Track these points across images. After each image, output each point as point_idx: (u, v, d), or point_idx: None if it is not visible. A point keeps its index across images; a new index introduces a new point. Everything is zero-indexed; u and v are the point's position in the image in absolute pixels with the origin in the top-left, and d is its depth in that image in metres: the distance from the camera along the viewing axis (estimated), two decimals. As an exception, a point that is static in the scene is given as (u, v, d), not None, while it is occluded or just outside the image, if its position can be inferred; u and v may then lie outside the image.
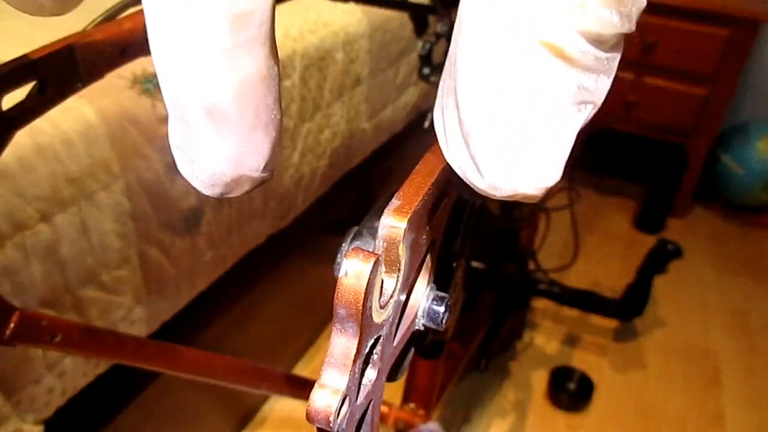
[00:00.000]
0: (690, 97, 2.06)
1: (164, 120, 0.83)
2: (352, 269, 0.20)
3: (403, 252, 0.23)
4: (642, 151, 2.28)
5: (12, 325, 0.37)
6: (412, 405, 0.91)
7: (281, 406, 1.35)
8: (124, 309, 0.83)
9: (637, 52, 2.03)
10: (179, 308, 0.95)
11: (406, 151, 1.56)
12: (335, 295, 0.21)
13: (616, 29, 0.14)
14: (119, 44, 0.37)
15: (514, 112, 0.14)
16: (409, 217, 0.23)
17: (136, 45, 0.38)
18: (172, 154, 0.17)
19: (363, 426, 0.24)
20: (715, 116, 2.06)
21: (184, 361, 0.50)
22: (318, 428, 0.21)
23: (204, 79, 0.14)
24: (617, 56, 0.14)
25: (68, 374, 0.77)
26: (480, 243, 1.27)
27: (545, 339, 1.68)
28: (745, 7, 1.94)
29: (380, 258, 0.21)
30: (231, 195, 0.18)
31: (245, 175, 0.17)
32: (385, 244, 0.23)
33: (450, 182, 0.28)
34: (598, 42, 0.14)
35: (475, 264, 1.28)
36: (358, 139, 1.34)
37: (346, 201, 1.39)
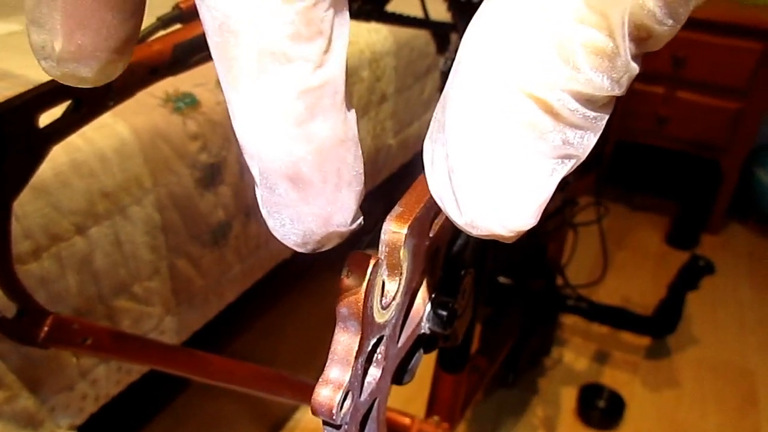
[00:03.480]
0: (723, 112, 2.03)
1: (194, 137, 0.86)
2: (353, 270, 0.22)
3: (404, 257, 0.24)
4: (675, 166, 2.25)
5: (46, 328, 0.39)
6: (436, 418, 0.91)
7: (311, 416, 1.36)
8: (155, 319, 0.86)
9: (668, 66, 2.01)
10: (208, 319, 0.97)
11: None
12: (338, 295, 0.22)
13: (606, 93, 0.14)
14: (149, 65, 0.40)
15: (498, 157, 0.15)
16: (410, 223, 0.24)
17: (164, 65, 0.40)
18: (259, 204, 0.17)
19: (369, 423, 0.26)
20: (749, 131, 2.02)
21: (210, 367, 0.52)
22: (324, 423, 0.22)
23: (284, 150, 0.15)
24: (606, 116, 0.15)
25: (101, 382, 0.79)
26: (506, 258, 1.27)
27: (574, 356, 1.66)
28: (778, 20, 1.91)
29: (380, 260, 0.23)
30: (322, 250, 0.18)
31: (335, 232, 0.18)
32: (387, 248, 0.24)
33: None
34: (587, 102, 0.14)
35: (502, 279, 1.28)
36: (384, 154, 1.35)
37: (372, 216, 1.41)
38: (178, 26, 0.43)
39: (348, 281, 0.22)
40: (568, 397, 1.51)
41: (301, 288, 1.25)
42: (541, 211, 0.16)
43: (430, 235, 0.27)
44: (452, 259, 0.34)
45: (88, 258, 0.74)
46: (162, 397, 0.96)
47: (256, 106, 0.15)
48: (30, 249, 0.67)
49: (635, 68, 0.14)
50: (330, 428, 0.23)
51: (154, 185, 0.81)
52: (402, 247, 0.24)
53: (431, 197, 0.26)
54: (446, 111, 0.16)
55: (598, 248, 1.61)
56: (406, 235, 0.24)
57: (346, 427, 0.23)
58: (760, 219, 2.23)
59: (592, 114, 0.14)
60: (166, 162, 0.82)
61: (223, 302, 1.00)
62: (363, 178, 0.18)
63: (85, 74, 0.17)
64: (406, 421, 0.86)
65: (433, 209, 0.26)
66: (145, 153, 0.79)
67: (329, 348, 0.23)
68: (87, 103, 0.36)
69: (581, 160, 0.16)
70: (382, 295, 0.24)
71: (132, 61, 0.40)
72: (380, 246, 0.24)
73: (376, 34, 1.25)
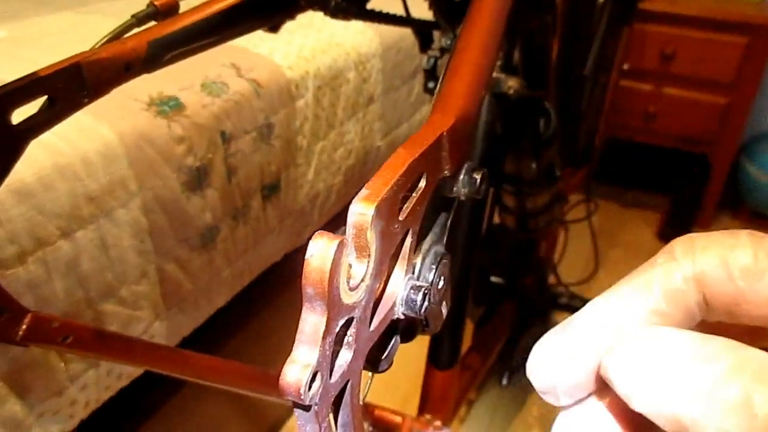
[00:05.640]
0: (711, 106, 2.04)
1: (179, 140, 0.86)
2: (318, 251, 0.22)
3: (372, 238, 0.24)
4: (664, 161, 2.26)
5: (24, 326, 0.39)
6: (427, 416, 0.91)
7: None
8: (144, 323, 0.85)
9: (656, 62, 2.02)
10: (199, 323, 0.97)
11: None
12: (303, 276, 0.22)
13: None
14: (123, 62, 0.40)
15: None
16: (376, 204, 0.24)
17: (139, 62, 0.40)
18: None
19: (342, 407, 0.26)
20: (737, 124, 2.03)
21: (198, 366, 0.52)
22: (294, 405, 0.22)
23: None
24: None
25: (90, 387, 0.79)
26: (498, 257, 1.28)
27: (569, 353, 1.66)
28: (762, 14, 1.93)
29: (345, 240, 0.23)
30: None
31: None
32: (354, 230, 0.24)
33: (426, 175, 0.29)
34: None
35: (493, 278, 1.28)
36: (373, 156, 1.36)
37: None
38: (152, 23, 0.43)
39: (312, 261, 0.22)
40: (563, 395, 1.51)
41: (292, 291, 1.25)
42: None
43: (400, 218, 0.27)
44: (428, 245, 0.34)
45: (74, 262, 0.73)
46: (153, 400, 0.95)
47: None
48: (15, 253, 0.67)
49: None
50: (301, 411, 0.23)
51: (140, 188, 0.81)
52: (369, 229, 0.24)
53: (399, 179, 0.26)
54: None
55: (590, 245, 1.61)
56: (372, 216, 0.24)
57: (316, 408, 0.23)
58: (750, 211, 2.24)
59: None
60: (152, 165, 0.82)
61: (213, 306, 1.00)
62: None
63: None
64: (397, 419, 0.86)
65: (401, 191, 0.26)
66: (130, 156, 0.79)
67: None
68: (61, 100, 0.36)
69: None
70: (349, 277, 0.24)
71: (105, 57, 0.40)
72: (347, 228, 0.24)
73: (361, 36, 1.25)
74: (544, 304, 1.52)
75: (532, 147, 0.93)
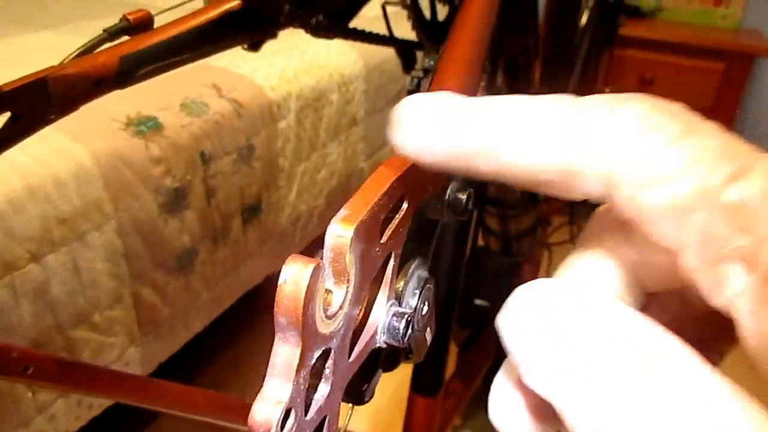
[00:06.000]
0: (690, 131, 2.06)
1: (157, 161, 0.84)
2: (291, 276, 0.20)
3: (351, 262, 0.23)
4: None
5: (-19, 357, 0.37)
6: (411, 445, 0.88)
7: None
8: (118, 350, 0.82)
9: (635, 87, 2.04)
10: (175, 349, 0.94)
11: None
12: (275, 303, 0.20)
13: None
14: (93, 77, 0.38)
15: None
16: (356, 226, 0.23)
17: (110, 78, 0.39)
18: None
19: (320, 447, 0.24)
20: (717, 149, 2.06)
21: (169, 396, 0.49)
22: (262, 446, 0.20)
23: None
24: None
25: (60, 417, 0.76)
26: (481, 280, 1.26)
27: (553, 377, 1.64)
28: (739, 41, 1.96)
29: (321, 264, 0.21)
30: None
31: None
32: (331, 254, 0.22)
33: (408, 195, 0.28)
34: None
35: (477, 301, 1.27)
36: (356, 178, 1.34)
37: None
38: (125, 38, 0.42)
39: (285, 287, 0.20)
40: (548, 420, 1.49)
41: (270, 318, 1.22)
42: None
43: (382, 240, 0.26)
44: (411, 269, 0.32)
45: (44, 287, 0.71)
46: (128, 429, 0.92)
47: None
48: (-19, 278, 0.64)
49: None
50: (271, 452, 0.21)
51: (116, 210, 0.78)
52: (348, 252, 0.22)
53: (380, 199, 0.25)
54: None
55: (573, 268, 1.60)
56: (351, 239, 0.22)
57: (289, 449, 0.21)
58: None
59: None
60: (128, 186, 0.80)
61: (191, 332, 0.97)
62: None
63: None
64: (381, 448, 0.83)
65: (382, 212, 0.25)
66: (105, 177, 0.77)
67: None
68: (25, 116, 0.35)
69: None
70: (326, 304, 0.22)
71: (74, 72, 0.38)
72: (324, 251, 0.23)
73: (345, 58, 1.24)
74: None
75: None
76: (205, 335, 1.00)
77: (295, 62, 1.13)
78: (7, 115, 0.35)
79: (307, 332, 0.21)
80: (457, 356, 1.21)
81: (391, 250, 0.28)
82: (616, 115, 0.15)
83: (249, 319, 1.16)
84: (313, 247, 1.24)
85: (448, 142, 0.17)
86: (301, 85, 1.11)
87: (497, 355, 1.32)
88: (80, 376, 0.43)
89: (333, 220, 0.24)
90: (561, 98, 0.16)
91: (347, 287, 0.23)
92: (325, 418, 0.24)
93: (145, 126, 0.84)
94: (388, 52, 1.36)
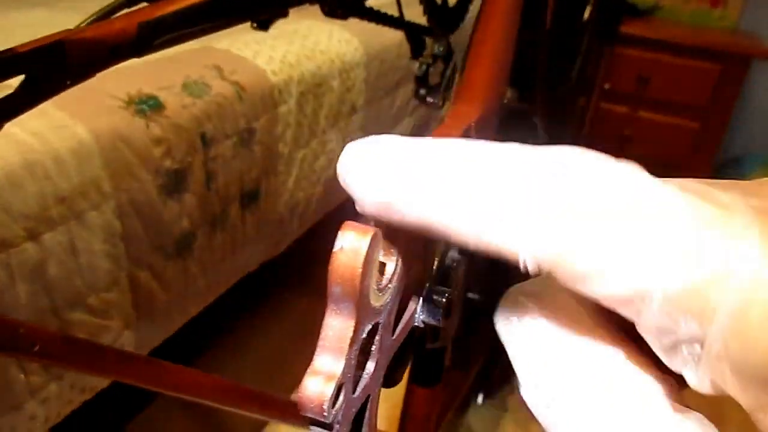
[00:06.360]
0: (684, 131, 2.07)
1: (158, 141, 0.82)
2: (348, 243, 0.19)
3: (401, 234, 0.22)
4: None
5: (-13, 331, 0.35)
6: (408, 435, 0.88)
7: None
8: (113, 333, 0.81)
9: (633, 85, 2.05)
10: (170, 334, 0.93)
11: (403, 181, 1.55)
12: (329, 272, 0.19)
13: None
14: (110, 43, 0.36)
15: None
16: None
17: (127, 45, 0.37)
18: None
19: (363, 427, 0.22)
20: (709, 149, 2.07)
21: (175, 378, 0.48)
22: (312, 423, 0.19)
23: None
24: None
25: (52, 400, 0.74)
26: (475, 273, 1.26)
27: (544, 372, 1.65)
28: (736, 42, 1.97)
29: (378, 233, 0.20)
30: None
31: None
32: (383, 224, 0.21)
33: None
34: None
35: (471, 294, 1.26)
36: (354, 167, 1.33)
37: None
38: (144, 4, 0.40)
39: (342, 255, 0.19)
40: (539, 415, 1.49)
41: (265, 305, 1.21)
42: None
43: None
44: (443, 248, 0.31)
45: (40, 266, 0.69)
46: (118, 416, 0.90)
47: None
48: (-25, 255, 0.62)
49: None
50: (318, 429, 0.19)
51: (114, 190, 0.76)
52: (400, 222, 0.21)
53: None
54: None
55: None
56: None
57: (338, 427, 0.19)
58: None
59: None
60: (128, 166, 0.78)
61: (186, 317, 0.95)
62: None
63: None
64: (379, 439, 0.82)
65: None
66: (104, 156, 0.75)
67: (318, 334, 0.20)
68: (41, 80, 0.33)
69: None
70: (378, 276, 0.21)
71: (91, 37, 0.36)
72: (375, 221, 0.21)
73: (346, 45, 1.23)
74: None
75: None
76: (201, 320, 0.98)
77: (296, 47, 1.12)
78: (21, 78, 0.33)
79: (362, 304, 0.20)
80: (452, 349, 1.21)
81: (434, 226, 0.27)
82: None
83: (244, 308, 1.14)
84: (309, 236, 1.22)
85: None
86: (303, 70, 1.09)
87: (491, 349, 1.32)
88: (86, 355, 0.41)
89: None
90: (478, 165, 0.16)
91: (397, 260, 0.22)
92: (368, 397, 0.23)
93: (146, 105, 0.82)
94: (389, 41, 1.35)
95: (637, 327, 0.14)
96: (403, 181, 0.16)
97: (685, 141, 2.07)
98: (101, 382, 0.81)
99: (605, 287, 0.14)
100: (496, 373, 1.38)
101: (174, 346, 0.93)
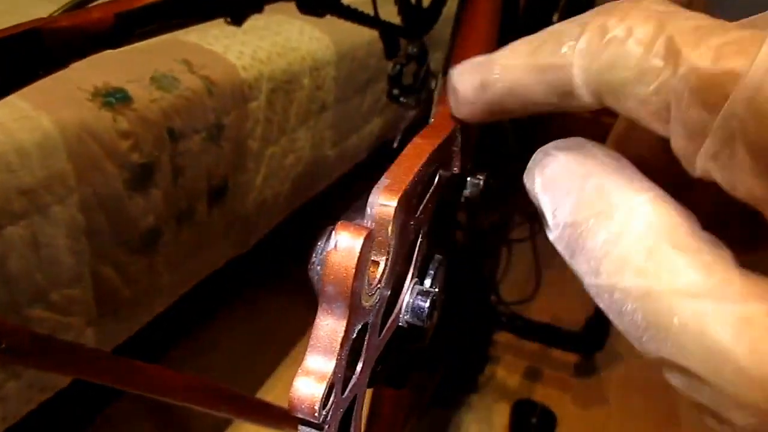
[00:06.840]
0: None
1: (125, 135, 0.80)
2: (343, 243, 0.19)
3: (392, 234, 0.22)
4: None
5: (-50, 328, 0.34)
6: (375, 435, 0.88)
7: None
8: (74, 331, 0.79)
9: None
10: (133, 332, 0.91)
11: (370, 180, 1.55)
12: (323, 272, 0.19)
13: None
14: (86, 33, 0.35)
15: None
16: (399, 196, 0.22)
17: (104, 35, 0.36)
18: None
19: (350, 428, 0.23)
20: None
21: (144, 376, 0.47)
22: (301, 423, 0.19)
23: None
24: None
25: (11, 399, 0.72)
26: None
27: (507, 373, 1.66)
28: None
29: (372, 233, 0.20)
30: None
31: None
32: (374, 224, 0.21)
33: (441, 169, 0.27)
34: None
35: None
36: (322, 165, 1.32)
37: (308, 230, 1.37)
38: (120, -5, 0.39)
39: (336, 255, 0.19)
40: (502, 414, 1.51)
41: (231, 303, 1.19)
42: None
43: (416, 215, 0.25)
44: (427, 248, 0.31)
45: (0, 260, 0.67)
46: (77, 417, 0.88)
47: None
48: (-68, 248, 0.60)
49: None
50: (308, 430, 0.19)
51: (79, 184, 0.74)
52: (391, 222, 0.21)
53: (420, 170, 0.24)
54: None
55: (531, 265, 1.63)
56: (396, 209, 0.21)
57: (326, 428, 0.19)
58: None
59: None
60: (93, 160, 0.76)
61: (151, 314, 0.94)
62: None
63: None
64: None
65: (420, 184, 0.24)
66: (70, 149, 0.73)
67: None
68: (14, 70, 0.32)
69: None
70: (370, 276, 0.21)
71: (67, 26, 0.35)
72: (366, 221, 0.21)
73: (317, 43, 1.22)
74: (487, 323, 1.52)
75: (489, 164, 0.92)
76: (166, 318, 0.97)
77: (267, 43, 1.11)
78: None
79: (354, 304, 0.20)
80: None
81: (420, 226, 0.27)
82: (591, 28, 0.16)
83: (209, 306, 1.13)
84: (276, 234, 1.21)
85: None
86: (273, 66, 1.08)
87: (456, 350, 1.33)
88: (57, 353, 0.40)
89: (374, 190, 0.23)
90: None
91: (387, 260, 0.22)
92: (355, 397, 0.23)
93: (114, 98, 0.80)
94: (359, 40, 1.34)
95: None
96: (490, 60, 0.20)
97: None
98: (61, 382, 0.79)
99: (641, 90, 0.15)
100: (459, 374, 1.39)
101: (138, 344, 0.91)
